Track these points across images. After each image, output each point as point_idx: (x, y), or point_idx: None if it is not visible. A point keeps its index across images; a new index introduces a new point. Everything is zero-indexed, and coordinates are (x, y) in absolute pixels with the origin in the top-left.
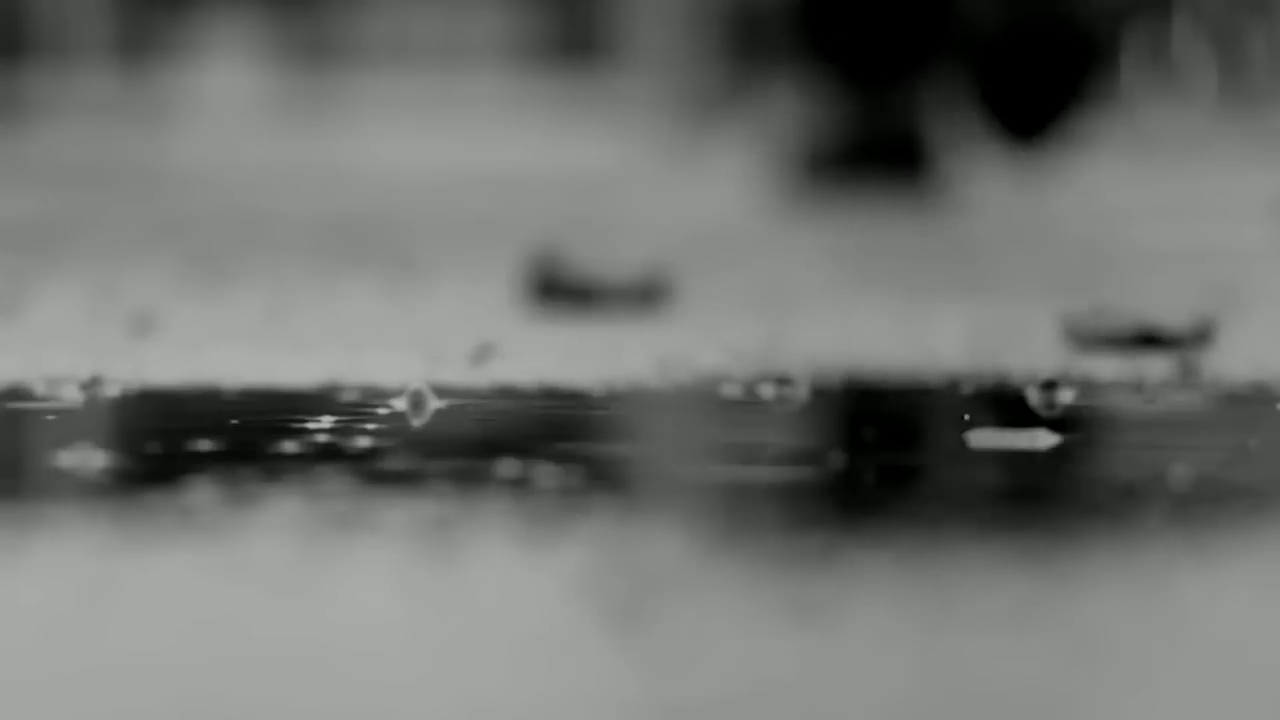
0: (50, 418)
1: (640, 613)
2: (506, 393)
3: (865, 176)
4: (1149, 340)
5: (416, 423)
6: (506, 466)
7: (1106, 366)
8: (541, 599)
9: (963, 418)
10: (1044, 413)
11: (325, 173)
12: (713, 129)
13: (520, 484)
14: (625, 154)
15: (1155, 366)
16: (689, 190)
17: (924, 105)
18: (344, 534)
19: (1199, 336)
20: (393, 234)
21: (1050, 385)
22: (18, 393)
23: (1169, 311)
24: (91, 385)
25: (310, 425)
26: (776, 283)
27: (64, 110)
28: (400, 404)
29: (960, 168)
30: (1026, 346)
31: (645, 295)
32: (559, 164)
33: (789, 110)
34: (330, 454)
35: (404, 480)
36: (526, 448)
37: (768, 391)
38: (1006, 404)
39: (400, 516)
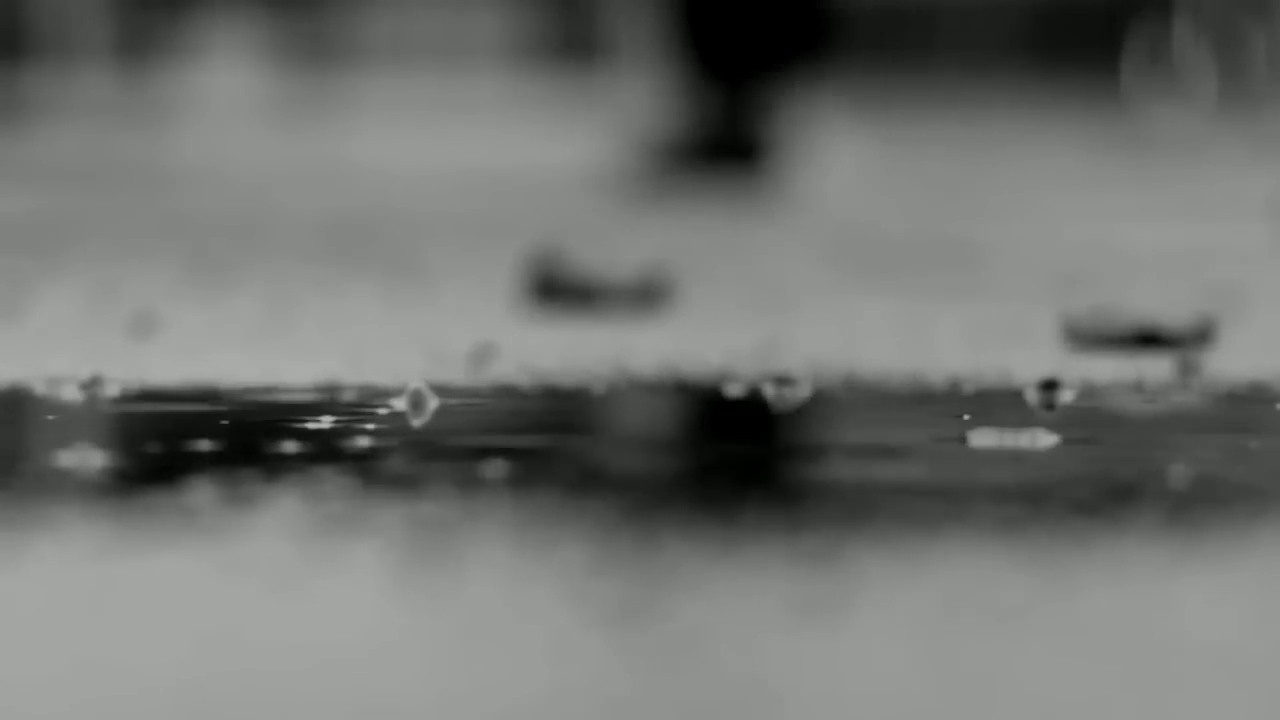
0: (50, 418)
1: (640, 613)
2: (506, 393)
3: (711, 170)
4: (1149, 340)
5: (416, 423)
6: (506, 467)
7: (1106, 366)
8: (541, 599)
9: (963, 418)
10: (1044, 413)
11: (325, 173)
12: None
13: (520, 484)
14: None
15: (1155, 366)
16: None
17: (772, 103)
18: (343, 534)
19: (1199, 336)
20: (393, 234)
21: (1050, 385)
22: (18, 393)
23: (1169, 311)
24: (91, 385)
25: (310, 425)
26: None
27: (64, 110)
28: (400, 404)
29: (801, 164)
30: (1026, 346)
31: (645, 295)
32: (559, 164)
33: (643, 101)
34: (330, 454)
35: (403, 480)
36: (526, 448)
37: (768, 391)
38: (1006, 404)
39: (399, 517)
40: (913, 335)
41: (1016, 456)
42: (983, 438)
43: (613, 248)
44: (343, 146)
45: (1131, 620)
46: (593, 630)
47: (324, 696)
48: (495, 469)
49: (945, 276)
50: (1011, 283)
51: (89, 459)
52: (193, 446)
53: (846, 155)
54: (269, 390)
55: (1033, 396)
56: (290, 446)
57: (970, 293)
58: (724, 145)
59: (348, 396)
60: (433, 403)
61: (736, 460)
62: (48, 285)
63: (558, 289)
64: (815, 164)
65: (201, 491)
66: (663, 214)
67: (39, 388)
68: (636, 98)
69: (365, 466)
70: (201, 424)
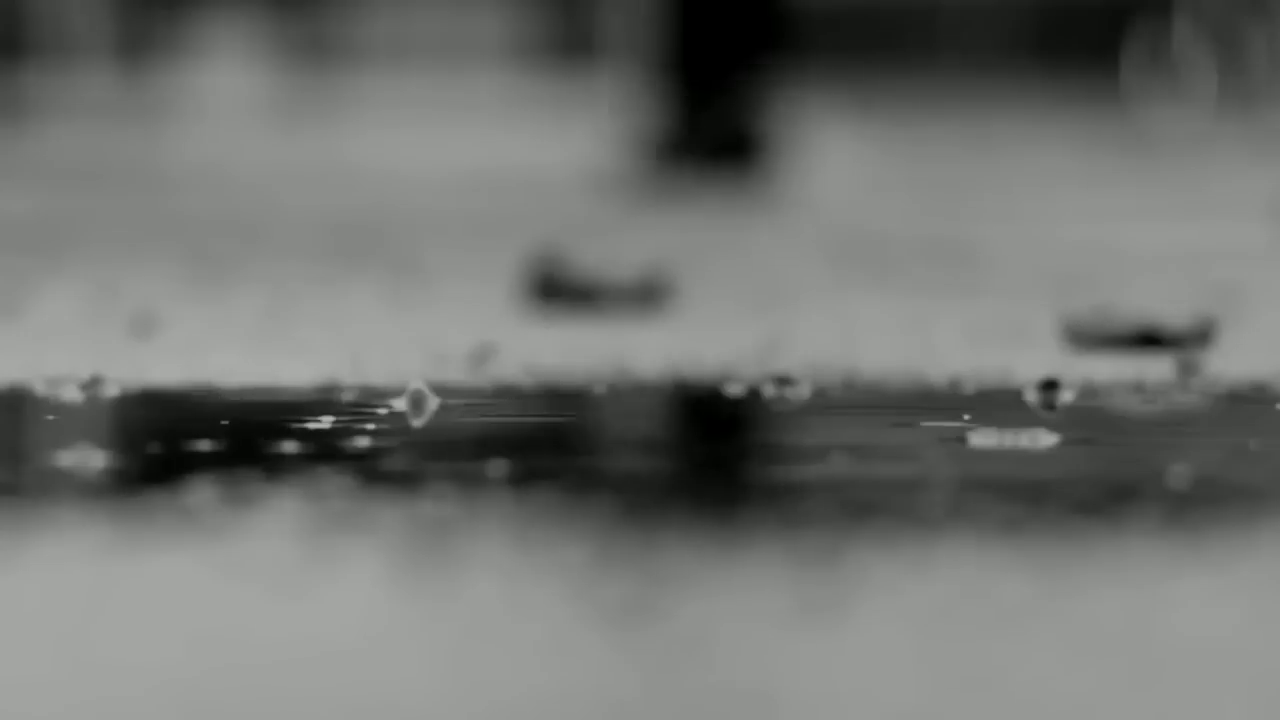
0: (50, 418)
1: (641, 613)
2: (506, 393)
3: (700, 169)
4: (1149, 340)
5: (416, 423)
6: (507, 467)
7: (1106, 366)
8: (541, 599)
9: (963, 418)
10: (1044, 413)
11: (326, 173)
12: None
13: (520, 484)
14: (624, 154)
15: (1155, 366)
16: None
17: (754, 103)
18: (344, 534)
19: (1199, 336)
20: (393, 234)
21: (1050, 385)
22: (18, 393)
23: (1169, 311)
24: (91, 385)
25: (310, 425)
26: (772, 281)
27: (64, 110)
28: (400, 404)
29: (800, 164)
30: (1026, 346)
31: (645, 295)
32: (559, 164)
33: (642, 101)
34: (330, 454)
35: (404, 480)
36: (526, 448)
37: (768, 391)
38: (1006, 404)
39: (399, 517)
40: (913, 335)
41: (1016, 456)
42: (983, 438)
43: (613, 248)
44: (343, 146)
45: (1131, 620)
46: (593, 630)
47: (324, 696)
48: (495, 469)
49: (945, 276)
50: (1011, 283)
51: (89, 459)
52: (193, 446)
53: (847, 155)
54: (269, 390)
55: (1033, 396)
56: (290, 446)
57: (970, 293)
58: (722, 144)
59: (348, 396)
60: (433, 403)
61: (737, 460)
62: (48, 285)
63: (558, 289)
64: (815, 163)
65: (201, 491)
66: (662, 214)
67: (39, 388)
68: (635, 98)
69: (365, 466)
70: (201, 424)
